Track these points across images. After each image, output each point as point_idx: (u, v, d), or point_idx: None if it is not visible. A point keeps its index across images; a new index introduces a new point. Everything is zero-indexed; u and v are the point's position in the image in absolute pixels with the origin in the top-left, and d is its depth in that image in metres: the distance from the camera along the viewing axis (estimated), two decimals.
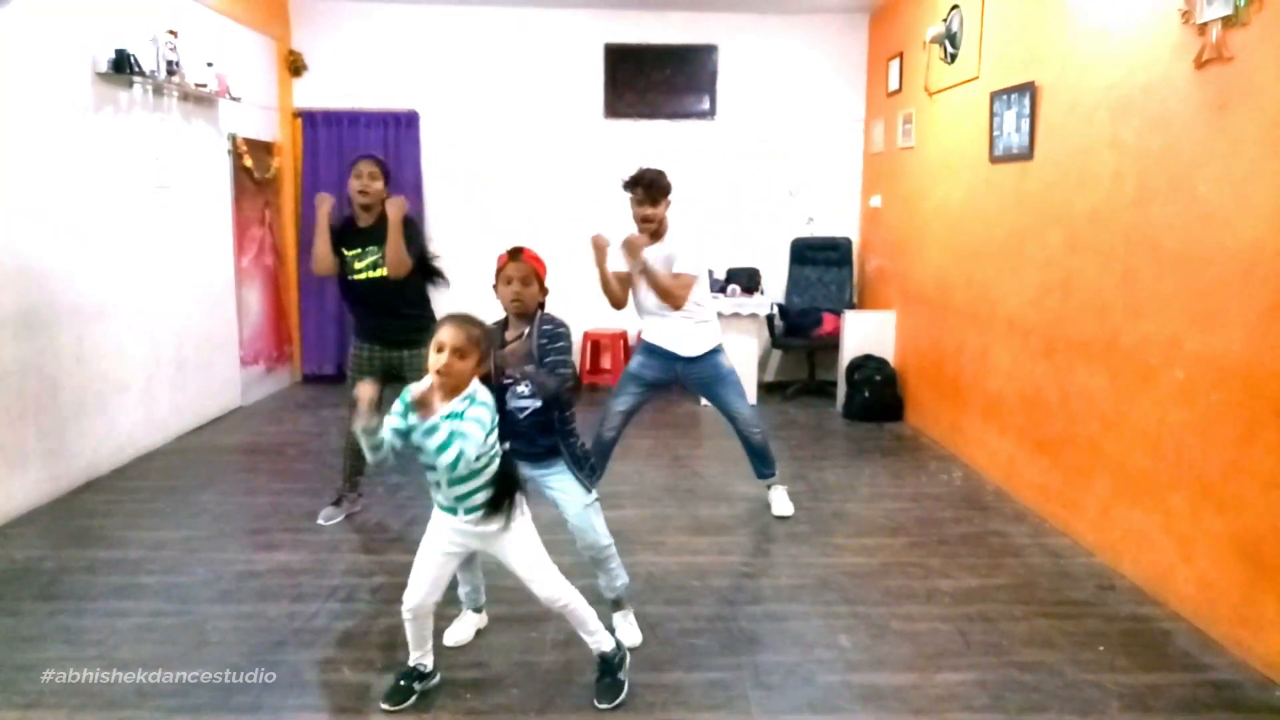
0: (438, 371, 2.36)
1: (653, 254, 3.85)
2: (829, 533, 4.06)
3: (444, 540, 2.57)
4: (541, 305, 2.83)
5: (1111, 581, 3.53)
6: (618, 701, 2.61)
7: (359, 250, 3.85)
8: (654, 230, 3.88)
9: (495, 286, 2.83)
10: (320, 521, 4.04)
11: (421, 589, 2.57)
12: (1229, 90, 3.03)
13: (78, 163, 4.51)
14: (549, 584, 2.57)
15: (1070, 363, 4.01)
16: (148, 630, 3.04)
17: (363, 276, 3.86)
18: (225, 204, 6.04)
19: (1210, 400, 3.10)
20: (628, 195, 3.89)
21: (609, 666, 2.66)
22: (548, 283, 2.85)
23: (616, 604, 3.02)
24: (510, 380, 2.74)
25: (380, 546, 3.84)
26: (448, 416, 2.36)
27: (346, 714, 2.59)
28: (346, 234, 3.89)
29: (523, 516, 2.58)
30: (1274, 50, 2.84)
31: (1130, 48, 3.58)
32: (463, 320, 2.41)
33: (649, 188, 3.84)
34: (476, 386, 2.45)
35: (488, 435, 2.41)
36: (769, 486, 4.33)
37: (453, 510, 2.51)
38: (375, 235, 3.84)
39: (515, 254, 2.81)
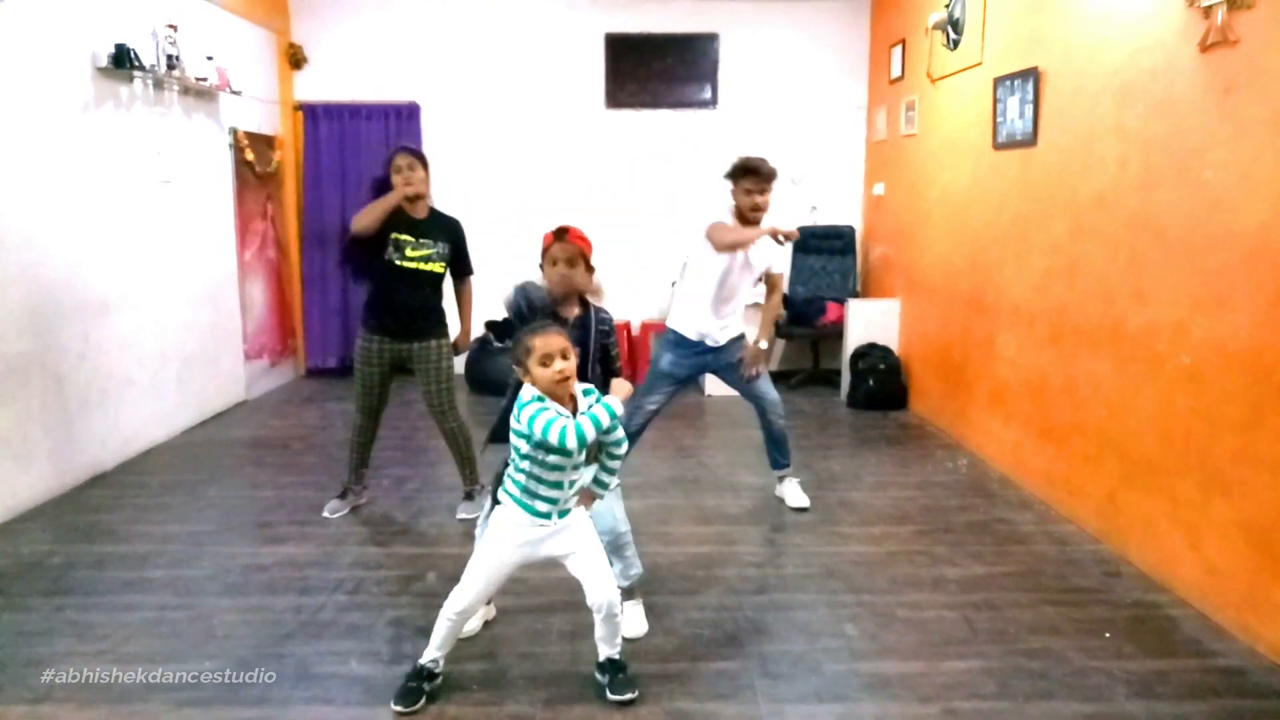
0: (563, 376, 2.37)
1: (755, 248, 3.99)
2: (834, 522, 4.05)
3: (517, 553, 2.54)
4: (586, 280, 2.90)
5: (1118, 568, 3.53)
6: (638, 692, 2.60)
7: (414, 240, 3.86)
8: (759, 220, 4.00)
9: (541, 266, 2.85)
10: (326, 515, 4.05)
11: (476, 594, 2.56)
12: (1234, 73, 3.01)
13: (79, 158, 4.50)
14: (611, 586, 2.58)
15: (1076, 349, 4.00)
16: (155, 624, 3.05)
17: (412, 265, 3.86)
18: (227, 198, 6.04)
19: (1217, 386, 3.09)
20: (731, 184, 4.00)
21: (623, 665, 2.65)
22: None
23: (628, 593, 3.02)
24: None
25: (386, 539, 3.85)
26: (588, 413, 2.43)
27: (353, 706, 2.59)
28: (400, 220, 3.84)
29: (587, 518, 2.63)
30: None
31: (1134, 32, 3.55)
32: (546, 328, 2.42)
33: (758, 175, 3.93)
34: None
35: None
36: (781, 479, 4.32)
37: (548, 515, 2.49)
38: (432, 228, 3.91)
39: (561, 234, 2.83)
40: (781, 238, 3.84)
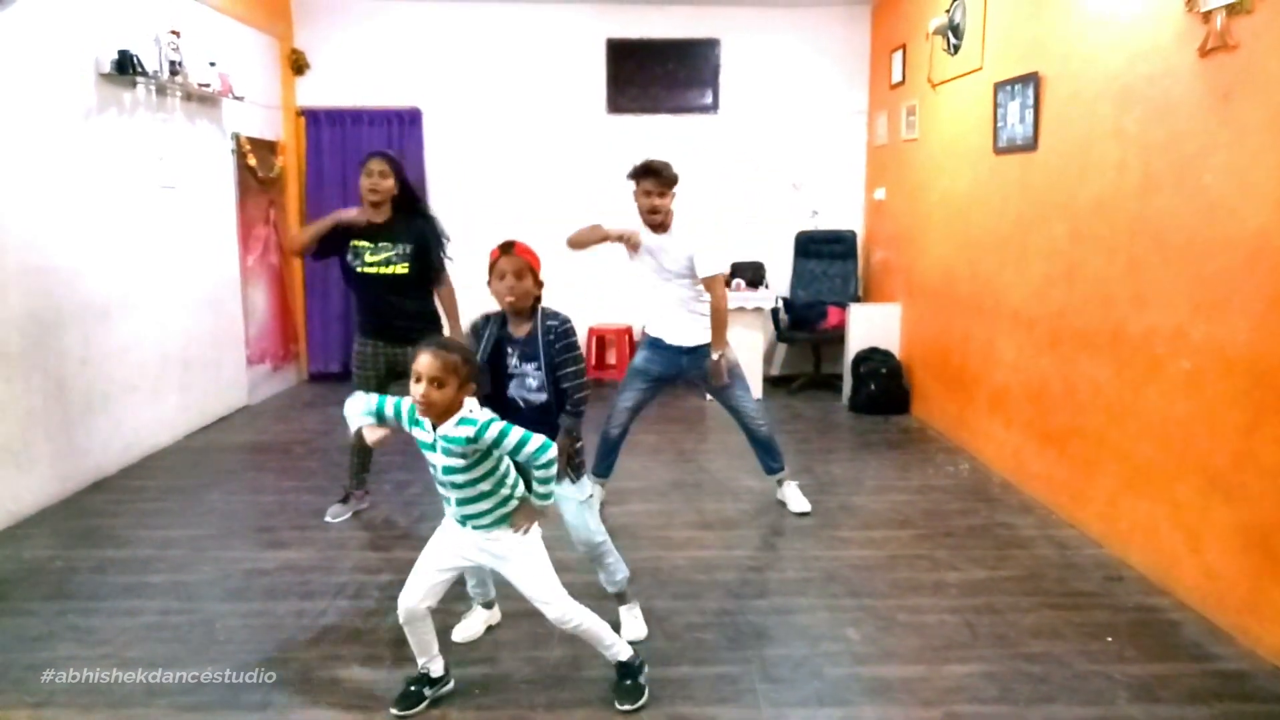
0: (418, 401, 2.34)
1: (660, 246, 3.90)
2: (835, 526, 4.06)
3: (450, 551, 2.54)
4: (538, 299, 2.81)
5: (1119, 572, 3.53)
6: (640, 704, 2.58)
7: (372, 245, 3.85)
8: (659, 222, 3.90)
9: (489, 282, 2.80)
10: (328, 519, 4.06)
11: (416, 594, 2.52)
12: (1233, 79, 3.01)
13: (82, 164, 4.52)
14: (558, 605, 2.52)
15: (1076, 354, 4.00)
16: (156, 629, 3.06)
17: (373, 270, 3.85)
18: (230, 203, 6.05)
19: (1217, 390, 3.09)
20: (633, 185, 3.90)
21: (630, 671, 2.64)
22: (543, 276, 2.82)
23: (620, 598, 3.03)
24: (517, 373, 2.79)
25: (388, 543, 3.85)
26: (447, 439, 2.35)
27: (355, 711, 2.60)
28: (359, 228, 3.86)
29: (533, 535, 2.54)
30: (1279, 37, 2.82)
31: (1133, 37, 3.56)
32: (438, 347, 2.35)
33: (659, 177, 3.85)
34: (473, 410, 2.38)
35: (503, 455, 2.41)
36: (779, 483, 4.31)
37: (461, 522, 2.50)
38: (391, 233, 3.86)
39: (507, 248, 2.78)
40: (624, 243, 3.87)
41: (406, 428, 2.44)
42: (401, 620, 2.56)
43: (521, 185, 7.13)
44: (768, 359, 7.17)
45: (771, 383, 7.03)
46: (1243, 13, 2.95)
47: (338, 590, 3.36)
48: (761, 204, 7.26)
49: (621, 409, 4.11)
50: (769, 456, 4.27)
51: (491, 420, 2.36)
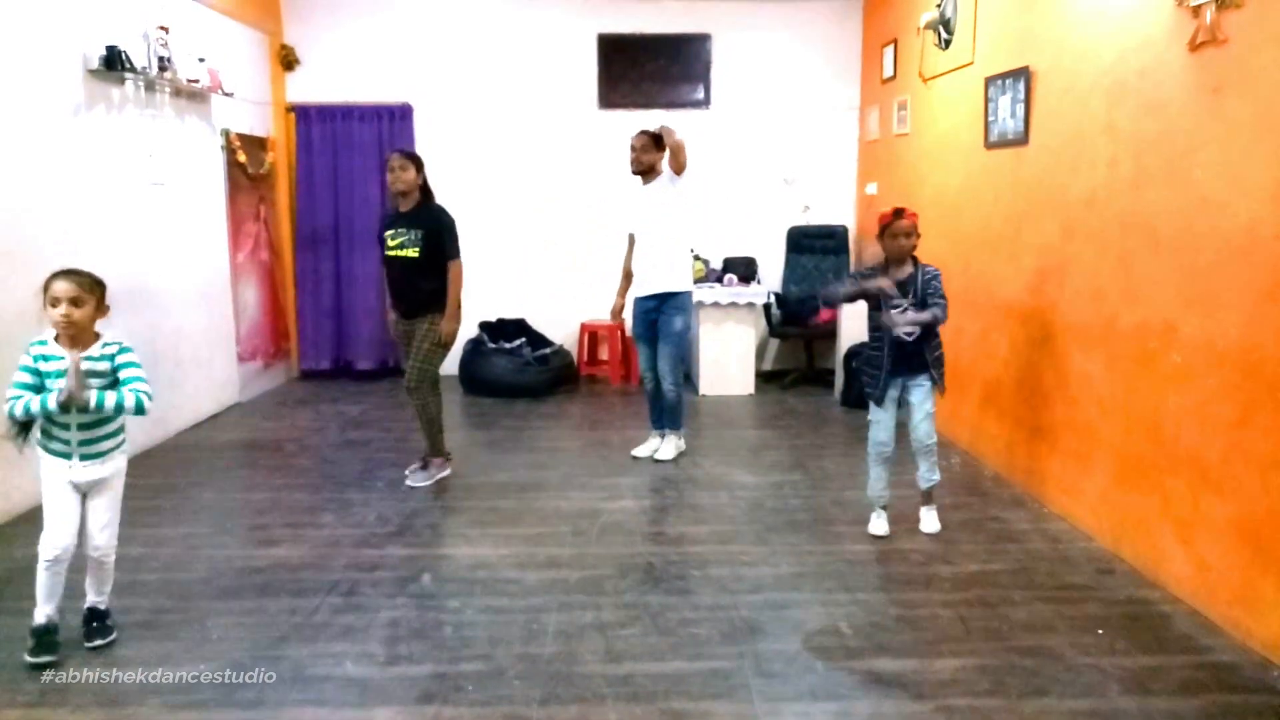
0: (59, 322, 2.74)
1: (648, 191, 4.83)
2: (828, 521, 4.07)
3: (65, 481, 2.81)
4: (914, 246, 3.72)
5: (1110, 565, 3.54)
6: (111, 638, 2.90)
7: (394, 231, 4.42)
8: (646, 169, 4.82)
9: (880, 238, 3.76)
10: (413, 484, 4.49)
11: (64, 529, 2.80)
12: (1223, 73, 3.02)
13: (71, 161, 4.49)
14: (113, 534, 2.91)
15: (1067, 348, 4.01)
16: (149, 627, 3.05)
17: (393, 253, 4.43)
18: (219, 200, 6.03)
19: (1207, 384, 3.11)
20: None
21: (104, 614, 2.95)
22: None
23: (927, 496, 3.87)
24: (898, 307, 3.58)
25: (380, 540, 3.84)
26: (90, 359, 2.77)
27: (349, 708, 2.59)
28: (389, 219, 4.50)
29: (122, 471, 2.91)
30: (1268, 32, 2.83)
31: (1124, 31, 3.57)
32: (71, 273, 2.78)
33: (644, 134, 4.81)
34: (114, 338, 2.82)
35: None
36: (663, 435, 4.97)
37: (68, 455, 2.77)
38: (410, 220, 4.41)
39: (899, 214, 3.73)
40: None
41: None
42: (51, 559, 2.78)
43: (513, 181, 7.11)
44: (760, 354, 7.17)
45: (764, 378, 7.03)
46: (1232, 7, 2.96)
47: (330, 588, 3.36)
48: (753, 199, 7.27)
49: (646, 370, 4.99)
50: (664, 416, 4.97)
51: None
